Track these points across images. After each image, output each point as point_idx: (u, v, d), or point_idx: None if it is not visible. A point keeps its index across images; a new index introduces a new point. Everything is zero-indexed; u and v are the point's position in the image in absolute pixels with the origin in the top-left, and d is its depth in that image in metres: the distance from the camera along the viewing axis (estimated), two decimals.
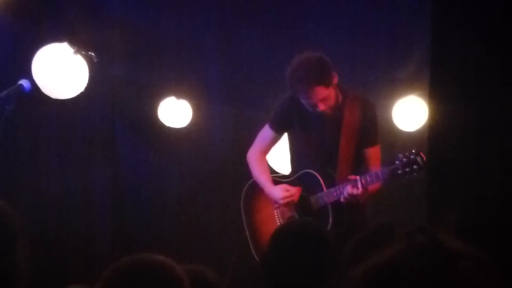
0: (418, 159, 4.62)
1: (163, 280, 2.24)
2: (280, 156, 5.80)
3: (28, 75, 4.86)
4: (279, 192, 5.10)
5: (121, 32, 6.28)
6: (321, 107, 4.83)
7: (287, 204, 5.12)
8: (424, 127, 5.84)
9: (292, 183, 5.16)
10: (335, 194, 4.89)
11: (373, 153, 5.01)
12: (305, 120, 5.01)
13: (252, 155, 5.29)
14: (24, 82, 4.48)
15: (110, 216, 6.52)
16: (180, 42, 6.51)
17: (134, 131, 6.60)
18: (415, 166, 4.62)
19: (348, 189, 4.76)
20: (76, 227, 6.40)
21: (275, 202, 5.16)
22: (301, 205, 5.09)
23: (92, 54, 5.25)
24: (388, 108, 6.08)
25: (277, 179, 5.27)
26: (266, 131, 5.23)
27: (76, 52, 5.16)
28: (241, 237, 5.36)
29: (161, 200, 6.63)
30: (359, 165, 5.01)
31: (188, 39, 6.51)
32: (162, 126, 6.33)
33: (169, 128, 6.36)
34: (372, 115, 5.05)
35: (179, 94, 6.29)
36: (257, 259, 5.15)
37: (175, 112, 6.30)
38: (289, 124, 5.14)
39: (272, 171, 5.54)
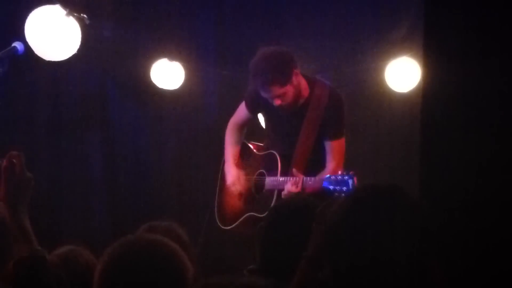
0: (350, 182, 4.54)
1: (164, 261, 2.25)
2: None
3: (21, 37, 4.84)
4: (231, 177, 5.27)
5: None
6: (277, 102, 4.82)
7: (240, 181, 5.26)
8: (416, 87, 5.87)
9: (259, 158, 5.27)
10: (281, 184, 4.94)
11: (335, 147, 4.92)
12: (270, 108, 5.01)
13: (229, 124, 5.39)
14: (17, 44, 4.46)
15: (104, 178, 6.54)
16: (173, 3, 6.48)
17: (126, 93, 6.60)
18: (344, 188, 4.54)
19: (288, 186, 4.82)
20: (69, 190, 6.42)
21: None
22: (257, 182, 5.22)
23: (85, 16, 5.23)
24: (381, 69, 6.09)
25: (251, 146, 5.39)
26: (242, 107, 5.31)
27: (69, 13, 5.13)
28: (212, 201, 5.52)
29: (153, 162, 6.66)
30: (319, 156, 4.96)
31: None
32: (154, 88, 6.33)
33: (162, 90, 6.36)
34: (338, 107, 4.95)
35: (172, 56, 6.29)
36: (218, 222, 5.39)
37: (167, 74, 6.30)
38: (258, 108, 5.19)
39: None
